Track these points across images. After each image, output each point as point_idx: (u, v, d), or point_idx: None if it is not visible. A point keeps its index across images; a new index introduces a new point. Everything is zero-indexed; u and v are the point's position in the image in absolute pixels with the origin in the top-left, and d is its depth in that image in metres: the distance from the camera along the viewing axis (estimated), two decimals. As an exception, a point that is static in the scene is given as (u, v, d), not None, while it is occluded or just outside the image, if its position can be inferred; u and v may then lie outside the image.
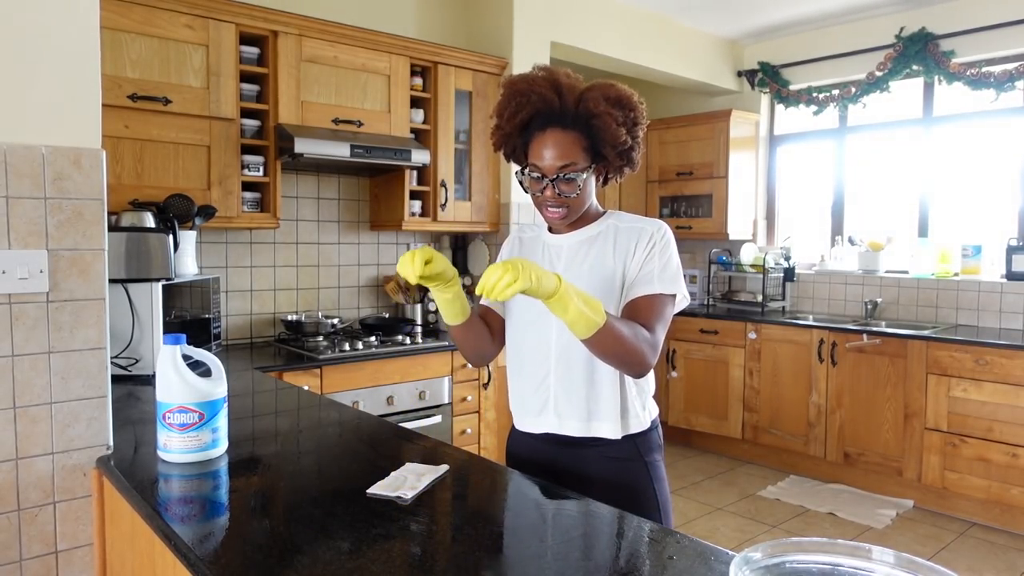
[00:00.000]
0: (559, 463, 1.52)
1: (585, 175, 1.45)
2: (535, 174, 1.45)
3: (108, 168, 2.07)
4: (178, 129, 2.74)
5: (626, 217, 1.55)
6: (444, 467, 1.44)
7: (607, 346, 1.33)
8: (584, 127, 1.44)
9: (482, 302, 1.66)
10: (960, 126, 4.34)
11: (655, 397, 1.61)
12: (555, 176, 1.43)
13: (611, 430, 1.49)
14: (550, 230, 1.60)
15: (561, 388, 1.50)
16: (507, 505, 1.36)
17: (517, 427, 1.62)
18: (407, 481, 1.35)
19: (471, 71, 3.63)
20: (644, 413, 1.54)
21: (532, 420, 1.55)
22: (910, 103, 4.52)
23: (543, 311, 1.47)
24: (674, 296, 1.47)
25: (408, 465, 1.45)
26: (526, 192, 1.50)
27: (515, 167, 1.55)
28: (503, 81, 1.53)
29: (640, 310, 1.44)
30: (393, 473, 1.39)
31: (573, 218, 1.50)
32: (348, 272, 3.68)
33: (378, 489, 1.31)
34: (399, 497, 1.28)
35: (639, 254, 1.47)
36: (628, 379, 1.50)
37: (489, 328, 1.61)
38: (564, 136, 1.43)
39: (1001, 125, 4.16)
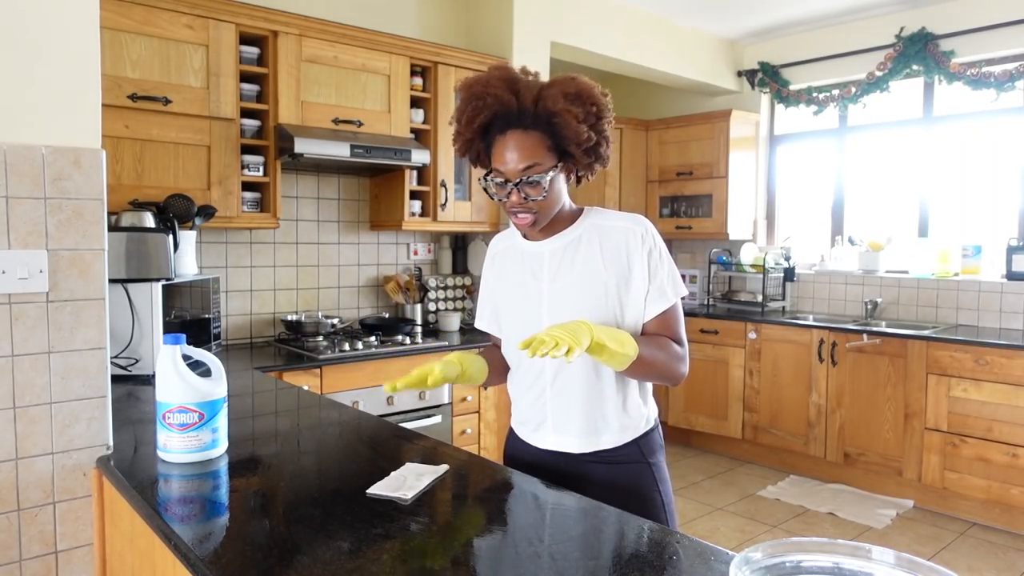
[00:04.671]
0: (560, 469, 1.50)
1: (550, 176, 1.39)
2: (499, 179, 1.40)
3: (108, 168, 2.07)
4: (178, 129, 2.74)
5: (605, 214, 1.50)
6: (444, 467, 1.44)
7: (643, 372, 1.40)
8: (545, 126, 1.38)
9: (480, 326, 1.68)
10: (960, 126, 4.34)
11: (654, 396, 1.61)
12: (519, 180, 1.38)
13: (612, 440, 1.48)
14: (525, 236, 1.54)
15: (558, 407, 1.48)
16: (507, 505, 1.36)
17: (516, 433, 1.59)
18: (407, 481, 1.35)
19: (471, 71, 3.63)
20: (646, 410, 1.52)
21: (530, 434, 1.54)
22: (910, 103, 4.52)
23: (535, 328, 1.45)
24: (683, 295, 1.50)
25: (408, 465, 1.45)
26: (492, 199, 1.45)
27: (482, 173, 1.49)
28: (458, 84, 1.47)
29: (664, 325, 1.45)
30: (393, 473, 1.39)
31: (544, 223, 1.44)
32: (348, 272, 3.68)
33: (378, 489, 1.31)
34: (399, 497, 1.28)
35: (639, 264, 1.43)
36: (629, 385, 1.48)
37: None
38: (525, 137, 1.37)
39: (1001, 125, 4.16)
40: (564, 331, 1.26)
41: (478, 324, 1.68)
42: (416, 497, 1.29)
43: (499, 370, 1.61)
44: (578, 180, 1.53)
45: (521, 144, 1.38)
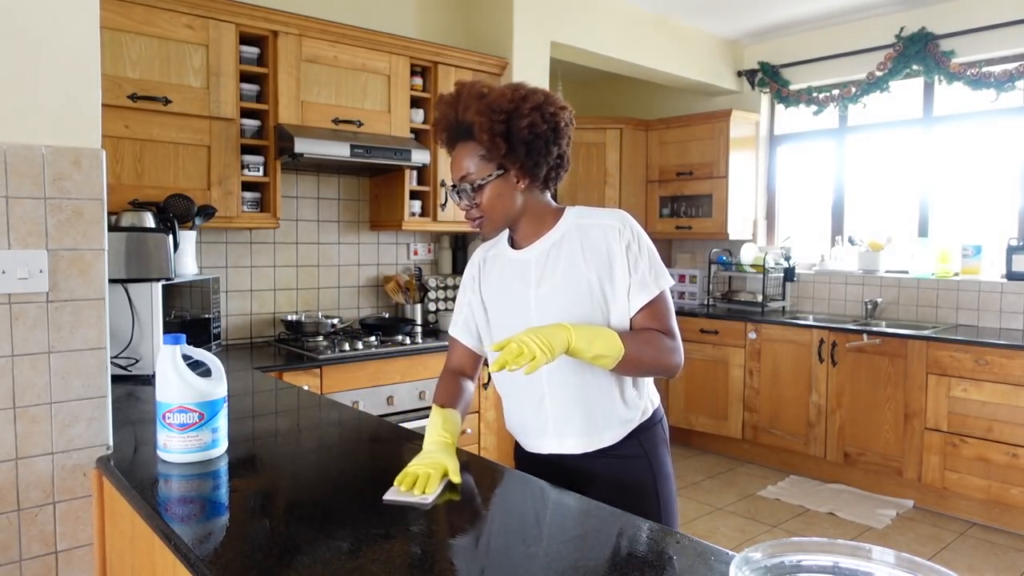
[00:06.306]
0: (564, 467, 1.51)
1: (480, 183, 1.45)
2: (450, 187, 1.51)
3: (108, 168, 2.07)
4: (178, 129, 2.74)
5: (585, 212, 1.52)
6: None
7: (634, 368, 1.42)
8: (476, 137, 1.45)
9: (451, 332, 1.66)
10: (960, 126, 4.34)
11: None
12: (458, 188, 1.48)
13: (614, 435, 1.49)
14: (512, 244, 1.57)
15: (559, 409, 1.48)
16: (507, 505, 1.36)
17: (521, 445, 1.61)
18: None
19: (471, 71, 3.63)
20: (643, 402, 1.53)
21: (534, 442, 1.55)
22: (910, 103, 4.52)
23: None
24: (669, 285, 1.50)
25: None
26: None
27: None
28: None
29: (651, 317, 1.46)
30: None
31: (493, 228, 1.51)
32: (348, 272, 3.68)
33: (395, 496, 1.27)
34: (419, 503, 1.24)
35: (619, 259, 1.44)
36: (624, 379, 1.49)
37: (465, 376, 1.64)
38: (463, 148, 1.47)
39: (1001, 125, 4.16)
40: (537, 337, 1.28)
41: (451, 331, 1.67)
42: (435, 501, 1.26)
43: (466, 400, 1.60)
44: (545, 187, 1.51)
45: (459, 155, 1.48)
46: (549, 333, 1.30)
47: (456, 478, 1.33)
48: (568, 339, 1.31)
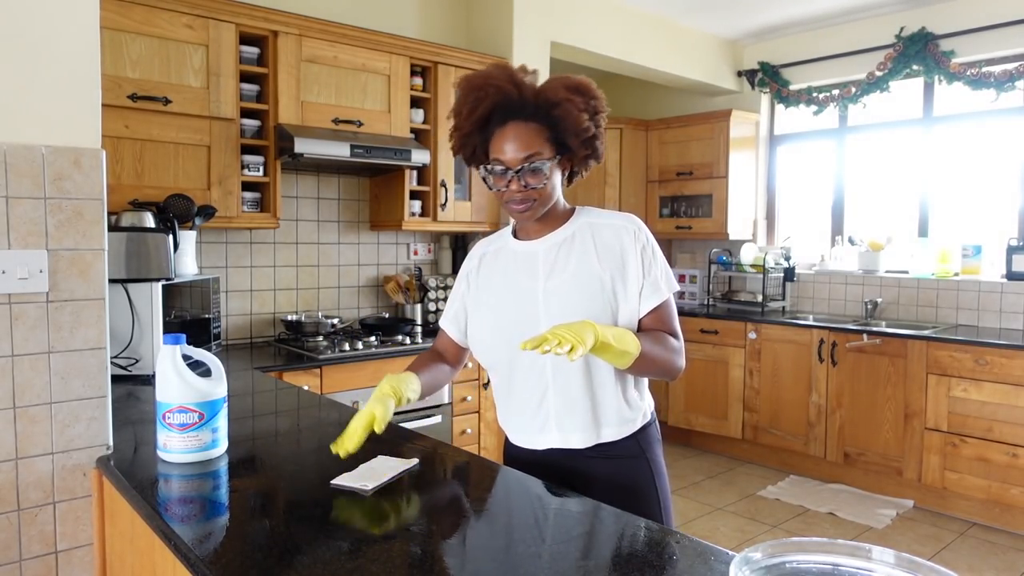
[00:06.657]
0: (561, 466, 1.50)
1: (550, 165, 1.42)
2: (499, 168, 1.42)
3: (108, 168, 2.07)
4: (178, 129, 2.74)
5: (596, 212, 1.53)
6: (414, 460, 1.46)
7: (645, 368, 1.42)
8: (545, 117, 1.42)
9: (441, 324, 1.71)
10: (960, 126, 4.34)
11: (652, 394, 1.61)
12: (520, 168, 1.40)
13: (612, 433, 1.49)
14: (515, 236, 1.56)
15: (561, 404, 1.47)
16: (507, 505, 1.36)
17: (515, 443, 1.58)
18: (373, 472, 1.37)
19: (471, 71, 3.62)
20: (643, 404, 1.54)
21: (532, 438, 1.53)
22: (910, 103, 4.52)
23: (534, 328, 1.45)
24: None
25: (379, 457, 1.46)
26: (491, 190, 1.47)
27: (482, 168, 1.50)
28: (457, 80, 1.51)
29: (660, 320, 1.48)
30: (361, 465, 1.40)
31: (540, 212, 1.46)
32: (348, 272, 3.68)
33: (342, 480, 1.33)
34: (361, 488, 1.30)
35: (633, 260, 1.45)
36: (626, 377, 1.49)
37: (446, 361, 1.70)
38: (525, 127, 1.41)
39: (1001, 125, 4.16)
40: (569, 331, 1.28)
41: (442, 322, 1.71)
42: (377, 488, 1.31)
43: (432, 382, 1.63)
44: (570, 178, 1.55)
45: (522, 133, 1.41)
46: (579, 329, 1.29)
47: (378, 429, 1.37)
48: (595, 334, 1.30)
